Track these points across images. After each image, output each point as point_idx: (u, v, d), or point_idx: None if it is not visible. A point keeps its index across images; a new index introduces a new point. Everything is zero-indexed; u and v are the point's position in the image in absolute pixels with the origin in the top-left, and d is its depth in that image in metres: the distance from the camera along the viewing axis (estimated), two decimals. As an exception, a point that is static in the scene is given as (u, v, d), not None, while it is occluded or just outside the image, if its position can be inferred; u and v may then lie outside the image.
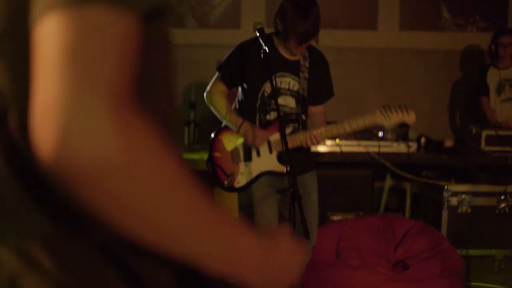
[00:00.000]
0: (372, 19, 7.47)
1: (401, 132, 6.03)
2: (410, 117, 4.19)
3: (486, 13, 7.47)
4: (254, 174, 4.18)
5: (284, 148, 3.57)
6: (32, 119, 0.90)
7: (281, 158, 4.16)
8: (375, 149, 5.87)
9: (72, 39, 0.90)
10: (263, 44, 3.72)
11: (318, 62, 4.25)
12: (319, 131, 4.14)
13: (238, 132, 4.12)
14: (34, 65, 0.92)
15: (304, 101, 4.21)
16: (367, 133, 5.92)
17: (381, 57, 7.52)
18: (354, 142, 5.92)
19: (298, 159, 4.08)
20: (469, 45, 7.40)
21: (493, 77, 6.65)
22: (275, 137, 4.13)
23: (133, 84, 0.96)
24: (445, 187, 5.67)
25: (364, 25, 7.50)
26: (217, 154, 4.24)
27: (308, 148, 4.32)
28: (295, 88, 4.15)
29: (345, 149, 5.92)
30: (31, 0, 0.96)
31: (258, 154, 4.19)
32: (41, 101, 0.89)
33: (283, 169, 3.92)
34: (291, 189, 3.45)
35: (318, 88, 4.25)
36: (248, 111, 4.21)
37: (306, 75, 4.16)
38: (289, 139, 3.96)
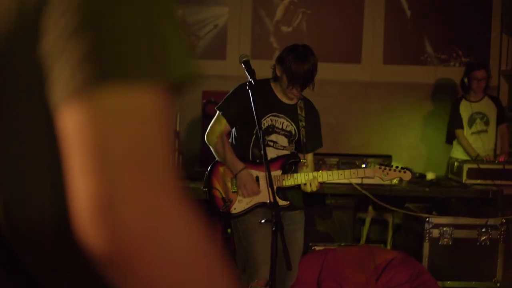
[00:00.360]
0: (356, 53, 7.56)
1: (384, 164, 6.06)
2: (406, 176, 4.54)
3: (468, 48, 7.58)
4: (251, 204, 4.33)
5: (267, 179, 3.67)
6: (77, 215, 0.87)
7: (279, 193, 4.29)
8: (358, 181, 5.89)
9: (102, 133, 0.85)
10: (248, 76, 3.88)
11: (312, 113, 4.53)
12: (320, 173, 4.34)
13: (235, 177, 4.29)
14: (67, 157, 0.88)
15: (299, 145, 4.45)
16: (350, 164, 5.97)
17: (365, 90, 7.59)
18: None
19: (291, 196, 4.37)
20: (452, 79, 7.49)
21: (465, 109, 6.72)
22: (277, 173, 4.30)
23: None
24: (427, 219, 5.70)
25: (348, 58, 7.58)
26: (217, 178, 4.37)
27: (300, 188, 4.48)
28: (288, 129, 4.37)
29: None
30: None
31: (259, 186, 4.31)
32: (89, 199, 0.85)
33: (281, 203, 4.22)
34: (274, 220, 3.54)
35: (311, 137, 4.49)
36: (243, 146, 4.37)
37: (304, 123, 4.41)
38: (289, 177, 4.30)
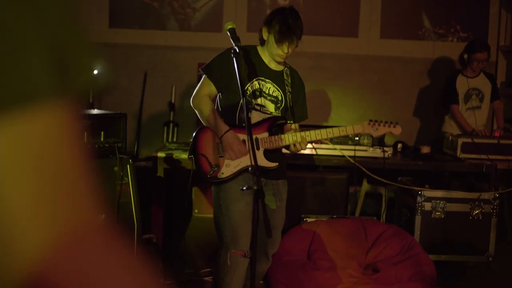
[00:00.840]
0: (353, 27, 7.52)
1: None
2: (396, 130, 4.44)
3: (466, 23, 7.53)
4: (239, 167, 4.25)
5: (249, 141, 3.61)
6: None
7: (267, 155, 4.25)
8: (351, 153, 5.87)
9: None
10: (233, 44, 3.82)
11: (297, 81, 4.47)
12: (308, 133, 4.26)
13: (220, 141, 4.22)
14: None
15: (287, 110, 4.38)
16: (343, 137, 5.92)
17: (361, 64, 7.56)
18: (329, 146, 5.92)
19: (279, 159, 4.31)
20: (449, 55, 7.44)
21: (461, 85, 6.68)
22: (263, 135, 4.26)
23: None
24: (419, 193, 5.67)
25: (345, 32, 7.54)
26: (203, 144, 4.30)
27: (284, 157, 4.47)
28: (275, 94, 4.31)
29: (320, 152, 5.92)
30: None
31: (245, 147, 4.25)
32: None
33: (269, 165, 4.20)
34: (256, 187, 3.49)
35: (296, 107, 4.44)
36: (229, 111, 4.31)
37: (290, 89, 4.36)
38: (275, 139, 4.23)
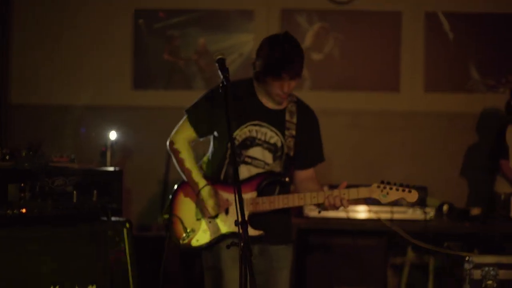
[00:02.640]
0: (394, 80, 6.93)
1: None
2: (411, 196, 3.63)
3: (519, 72, 6.88)
4: (217, 234, 3.62)
5: (236, 197, 2.95)
6: None
7: (253, 221, 3.56)
8: (387, 215, 5.23)
9: None
10: (221, 76, 3.16)
11: (308, 119, 3.76)
12: (303, 195, 3.58)
13: (197, 195, 3.62)
14: None
15: (288, 160, 3.71)
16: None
17: (404, 121, 6.96)
18: (363, 207, 5.30)
19: (274, 225, 3.64)
20: (501, 108, 6.75)
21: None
22: (250, 195, 3.59)
23: None
24: (467, 259, 4.94)
25: (385, 86, 6.98)
26: (179, 204, 3.71)
27: (288, 217, 3.81)
28: (272, 141, 3.65)
29: (353, 214, 5.30)
30: None
31: (227, 211, 3.64)
32: None
33: (252, 233, 3.47)
34: (241, 244, 2.83)
35: (306, 149, 3.75)
36: (217, 162, 3.72)
37: (293, 132, 3.67)
38: (263, 201, 3.57)
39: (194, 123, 3.66)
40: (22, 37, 7.02)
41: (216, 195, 3.58)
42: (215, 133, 3.69)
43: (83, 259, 4.04)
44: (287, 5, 6.97)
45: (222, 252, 3.58)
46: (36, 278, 3.85)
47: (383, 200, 3.59)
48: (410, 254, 5.90)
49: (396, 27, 6.93)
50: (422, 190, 5.49)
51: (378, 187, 3.58)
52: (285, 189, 3.69)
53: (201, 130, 3.67)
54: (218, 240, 3.59)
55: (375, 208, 5.33)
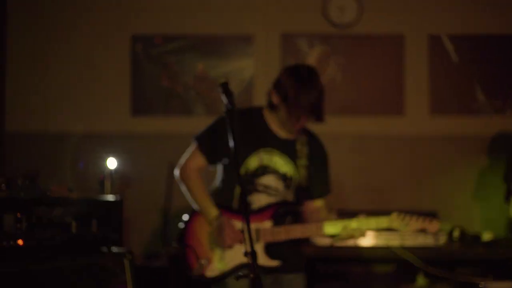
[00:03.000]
0: (399, 103, 6.79)
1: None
2: (432, 226, 3.54)
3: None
4: (231, 264, 3.49)
5: (246, 224, 2.80)
6: None
7: (269, 251, 3.48)
8: (397, 242, 5.06)
9: None
10: (226, 101, 3.04)
11: (318, 150, 3.73)
12: (319, 225, 3.48)
13: (210, 224, 3.51)
14: None
15: (300, 190, 3.64)
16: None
17: (410, 144, 6.79)
18: (372, 234, 5.13)
19: (288, 254, 3.54)
20: (509, 129, 6.61)
21: None
22: (266, 225, 3.49)
23: None
24: (480, 285, 4.77)
25: (389, 109, 6.83)
26: (192, 233, 3.58)
27: (299, 246, 3.70)
28: (284, 170, 3.56)
29: (362, 242, 5.14)
30: None
31: (241, 241, 3.46)
32: None
33: (269, 263, 3.45)
34: (252, 275, 2.68)
35: (318, 179, 3.68)
36: (228, 191, 3.60)
37: (305, 162, 3.60)
38: (279, 231, 3.47)
39: (205, 150, 3.58)
40: (17, 62, 6.87)
41: (229, 225, 3.44)
42: (225, 160, 3.58)
43: (84, 291, 3.86)
44: (287, 29, 6.84)
45: (230, 286, 3.44)
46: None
47: (404, 229, 3.50)
48: (421, 281, 5.71)
49: (399, 50, 6.80)
50: (432, 215, 5.32)
51: (398, 216, 3.49)
52: (299, 219, 3.61)
53: (212, 157, 3.59)
54: (234, 270, 3.45)
55: (384, 235, 5.16)
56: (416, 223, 3.49)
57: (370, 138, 6.77)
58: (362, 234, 3.45)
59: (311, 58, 6.83)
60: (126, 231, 6.78)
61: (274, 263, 3.44)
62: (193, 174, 3.59)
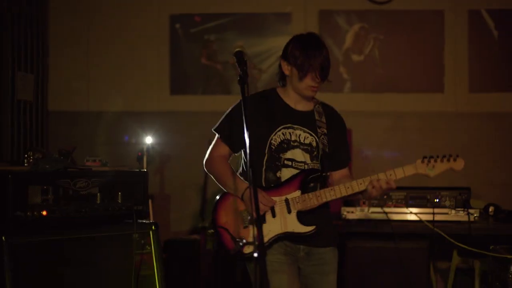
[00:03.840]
0: (438, 80, 6.71)
1: (461, 199, 5.17)
2: (458, 164, 3.50)
3: None
4: (267, 238, 3.46)
5: (253, 200, 2.82)
6: None
7: (302, 218, 3.46)
8: (429, 217, 5.01)
9: None
10: (239, 69, 3.05)
11: (335, 119, 3.68)
12: (347, 185, 3.44)
13: (241, 199, 3.51)
14: None
15: (326, 157, 3.57)
16: (420, 199, 5.13)
17: (449, 122, 6.73)
18: (404, 209, 5.09)
19: (321, 228, 3.48)
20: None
21: None
22: (295, 194, 3.48)
23: None
24: (512, 262, 4.69)
25: (428, 87, 6.77)
26: (223, 215, 3.56)
27: (329, 218, 3.68)
28: (308, 141, 3.55)
29: (393, 217, 5.09)
30: None
31: (274, 215, 3.49)
32: None
33: (305, 229, 3.44)
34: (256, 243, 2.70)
35: (338, 149, 3.65)
36: (255, 169, 3.53)
37: (325, 130, 3.58)
38: (310, 197, 3.45)
39: (227, 139, 3.57)
40: (58, 44, 7.02)
41: (262, 193, 3.44)
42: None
43: (107, 262, 3.94)
44: (325, 6, 6.83)
45: (267, 258, 3.47)
46: (57, 282, 3.76)
47: (431, 174, 3.43)
48: (456, 258, 5.64)
49: (439, 26, 6.73)
50: (465, 191, 5.27)
51: (423, 162, 3.43)
52: (326, 185, 3.55)
53: (235, 144, 3.56)
54: (271, 243, 3.45)
55: (416, 209, 5.12)
56: (441, 164, 3.45)
57: (409, 115, 6.72)
58: (391, 185, 3.38)
59: (350, 34, 6.80)
60: (165, 208, 6.90)
61: (309, 228, 3.42)
62: (218, 160, 3.59)
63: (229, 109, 3.59)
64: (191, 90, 6.97)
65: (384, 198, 5.18)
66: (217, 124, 3.60)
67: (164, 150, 6.64)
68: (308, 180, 3.49)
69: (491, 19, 6.64)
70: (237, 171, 3.64)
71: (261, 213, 3.43)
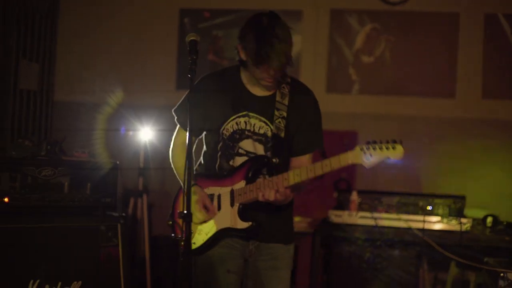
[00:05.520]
0: (450, 86, 6.49)
1: (455, 207, 4.99)
2: (395, 153, 3.08)
3: None
4: (211, 233, 3.36)
5: (184, 191, 2.71)
6: None
7: (243, 213, 3.30)
8: (419, 225, 4.84)
9: None
10: (189, 58, 2.92)
11: (302, 99, 3.41)
12: (285, 175, 3.19)
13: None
14: None
15: (279, 144, 3.35)
16: (413, 206, 4.97)
17: (460, 128, 6.49)
18: (393, 215, 4.92)
19: (271, 223, 3.35)
20: None
21: None
22: (239, 185, 3.31)
23: None
24: (502, 275, 4.48)
25: (439, 92, 6.54)
26: (178, 208, 3.42)
27: (288, 216, 3.50)
28: (262, 132, 3.35)
29: (383, 223, 4.93)
30: None
31: (219, 207, 3.36)
32: None
33: (241, 225, 3.27)
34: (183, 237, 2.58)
35: (301, 132, 3.39)
36: (210, 156, 3.46)
37: (284, 113, 3.33)
38: (251, 188, 3.25)
39: (181, 123, 3.46)
40: (67, 36, 6.99)
41: (200, 196, 3.32)
42: (206, 127, 3.44)
43: (70, 253, 3.86)
44: (337, 5, 6.67)
45: (210, 254, 3.36)
46: (14, 272, 3.69)
47: (367, 164, 3.05)
48: (454, 270, 5.45)
49: (453, 29, 6.49)
50: (460, 200, 5.08)
51: (361, 149, 3.06)
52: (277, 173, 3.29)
53: (194, 132, 3.38)
54: (213, 240, 3.35)
55: (407, 216, 4.95)
56: (379, 153, 3.05)
57: (418, 120, 6.51)
58: (323, 170, 3.09)
59: (361, 35, 6.63)
60: (165, 203, 6.81)
61: (245, 224, 3.25)
62: (176, 151, 3.49)
63: (187, 93, 3.32)
64: (197, 86, 6.88)
65: (374, 203, 5.02)
66: (175, 106, 3.48)
67: (168, 146, 6.55)
68: (255, 169, 3.29)
69: (508, 23, 6.38)
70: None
71: (197, 221, 3.31)
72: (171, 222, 3.48)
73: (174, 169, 3.51)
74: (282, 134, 3.31)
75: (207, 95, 3.32)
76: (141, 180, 6.20)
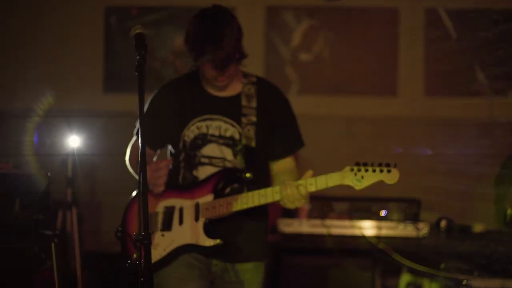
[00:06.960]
0: (391, 83, 6.37)
1: (411, 212, 4.80)
2: (391, 177, 2.88)
3: (531, 76, 6.28)
4: (170, 248, 3.08)
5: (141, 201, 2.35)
6: None
7: (210, 229, 3.04)
8: (374, 232, 4.63)
9: None
10: (137, 53, 2.69)
11: (272, 100, 3.18)
12: (262, 192, 2.96)
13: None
14: None
15: (250, 153, 3.11)
16: (365, 211, 4.74)
17: (402, 127, 6.36)
18: (346, 223, 4.69)
19: (241, 239, 3.11)
20: (510, 115, 6.12)
21: None
22: (206, 199, 3.04)
23: None
24: (464, 282, 4.29)
25: (381, 90, 6.42)
26: (131, 219, 3.19)
27: (260, 231, 3.24)
28: (228, 134, 3.10)
29: (335, 230, 4.68)
30: None
31: (181, 221, 3.08)
32: None
33: (208, 243, 3.00)
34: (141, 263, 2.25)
35: (276, 135, 3.16)
36: (175, 168, 3.18)
37: (253, 118, 3.09)
38: (221, 203, 3.01)
39: (137, 131, 3.27)
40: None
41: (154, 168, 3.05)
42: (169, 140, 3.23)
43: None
44: (272, 2, 6.44)
45: (169, 273, 3.07)
46: None
47: (358, 186, 2.87)
48: (405, 276, 5.26)
49: (393, 25, 6.39)
50: (415, 203, 4.89)
51: (352, 170, 2.87)
52: (250, 188, 3.05)
53: (150, 142, 3.20)
54: (171, 256, 3.06)
55: (360, 222, 4.73)
56: (371, 176, 2.87)
57: (361, 120, 6.38)
58: (305, 197, 2.91)
59: (298, 32, 6.41)
60: (97, 216, 6.44)
61: (211, 242, 2.99)
62: (133, 160, 3.30)
63: (147, 105, 3.24)
64: (126, 88, 6.50)
65: (325, 210, 4.79)
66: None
67: (96, 153, 6.18)
68: (224, 182, 3.05)
69: (449, 18, 6.29)
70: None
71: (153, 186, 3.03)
72: (120, 235, 3.18)
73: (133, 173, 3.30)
74: (253, 144, 3.09)
75: (166, 104, 3.16)
76: (69, 191, 5.78)
